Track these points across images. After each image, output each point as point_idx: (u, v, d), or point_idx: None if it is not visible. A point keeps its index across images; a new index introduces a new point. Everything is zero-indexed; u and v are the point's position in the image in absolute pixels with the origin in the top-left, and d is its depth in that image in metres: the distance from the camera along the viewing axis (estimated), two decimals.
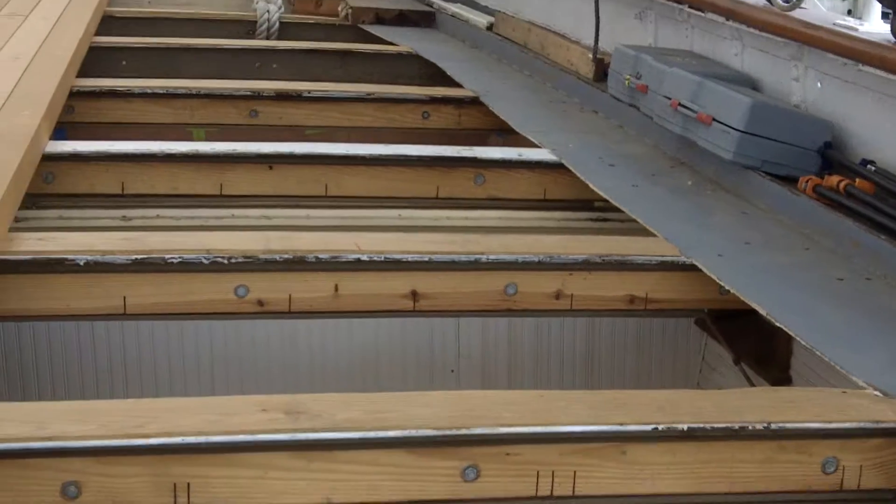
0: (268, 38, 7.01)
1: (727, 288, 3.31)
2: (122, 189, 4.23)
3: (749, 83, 4.52)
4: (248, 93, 5.39)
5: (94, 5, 6.53)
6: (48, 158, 4.10)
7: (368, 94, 5.49)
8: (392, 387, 4.71)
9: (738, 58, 4.70)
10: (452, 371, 4.94)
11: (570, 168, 4.43)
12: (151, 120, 5.36)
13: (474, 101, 5.51)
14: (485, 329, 4.91)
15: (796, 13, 4.30)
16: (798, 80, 4.34)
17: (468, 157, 4.47)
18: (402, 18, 7.25)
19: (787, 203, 3.94)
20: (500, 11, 6.79)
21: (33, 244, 3.19)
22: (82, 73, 5.46)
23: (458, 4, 7.28)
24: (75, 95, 5.11)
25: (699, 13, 4.93)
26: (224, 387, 4.70)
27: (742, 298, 3.21)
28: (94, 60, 5.83)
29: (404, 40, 6.73)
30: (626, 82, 4.87)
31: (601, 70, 5.43)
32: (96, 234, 3.47)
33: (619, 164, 4.53)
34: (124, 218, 4.15)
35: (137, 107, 5.33)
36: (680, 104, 4.35)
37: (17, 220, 3.60)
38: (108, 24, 6.66)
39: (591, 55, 5.52)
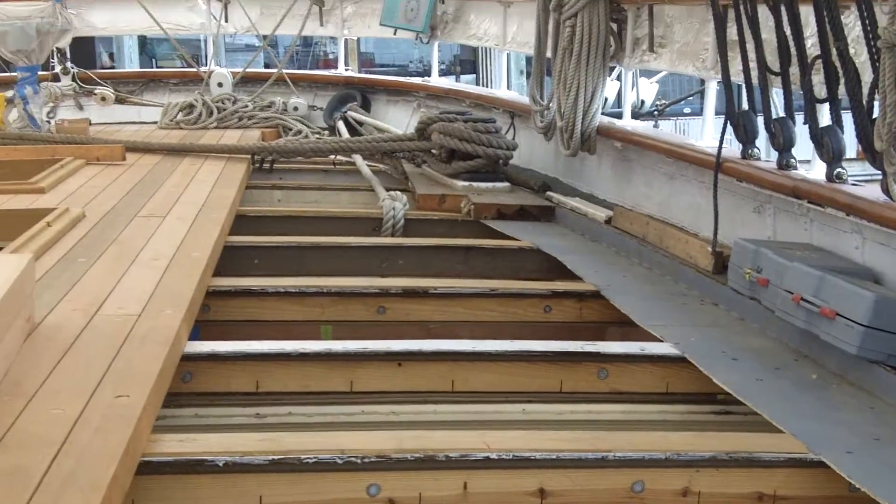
0: (393, 234, 7.21)
1: (857, 486, 3.29)
2: (257, 387, 4.38)
3: (871, 276, 4.54)
4: (377, 290, 5.56)
5: (228, 206, 6.82)
6: (187, 358, 4.28)
7: (492, 290, 5.62)
8: None
9: (859, 251, 4.73)
10: None
11: (693, 362, 4.48)
12: (282, 318, 5.53)
13: (595, 295, 5.61)
14: None
15: None
16: None
17: (591, 352, 4.55)
18: (522, 213, 7.42)
19: None
20: (618, 205, 6.94)
21: (175, 445, 3.32)
22: (217, 271, 5.69)
23: (577, 199, 7.45)
24: (211, 294, 5.32)
25: (818, 208, 4.99)
26: None
27: (874, 497, 3.19)
28: (228, 259, 6.07)
29: (525, 235, 6.88)
30: (747, 276, 4.93)
31: (721, 263, 5.51)
32: (234, 434, 3.59)
33: (742, 358, 4.56)
34: (258, 415, 4.28)
35: (270, 305, 5.52)
36: (802, 299, 4.40)
37: (157, 418, 3.75)
38: (240, 223, 6.92)
39: (710, 248, 5.60)
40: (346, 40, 12.95)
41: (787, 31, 5.06)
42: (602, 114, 7.23)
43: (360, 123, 11.25)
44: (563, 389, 4.53)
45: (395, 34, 11.67)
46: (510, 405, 4.43)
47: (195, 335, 4.79)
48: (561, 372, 4.53)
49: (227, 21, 12.64)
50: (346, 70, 12.93)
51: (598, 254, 6.53)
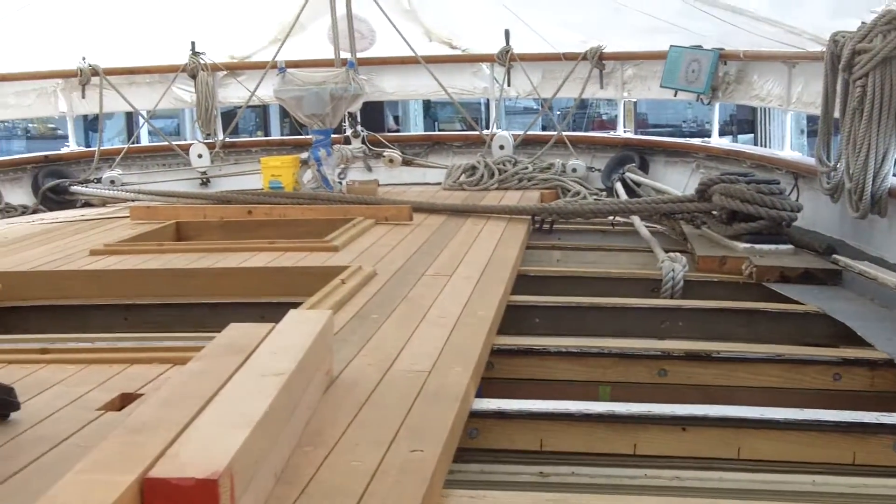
0: (672, 296, 7.17)
1: None
2: (541, 445, 4.45)
3: None
4: (658, 353, 5.55)
5: (510, 266, 6.96)
6: (474, 415, 4.39)
7: (777, 356, 5.52)
8: None
9: None
10: None
11: None
12: (562, 377, 5.58)
13: (888, 363, 5.42)
14: None
15: None
16: None
17: (887, 424, 4.40)
18: (807, 276, 7.24)
19: None
20: None
21: (466, 502, 3.41)
22: (500, 329, 5.80)
23: (866, 262, 7.23)
24: (494, 352, 5.44)
25: None
26: None
27: None
28: (510, 317, 6.17)
29: (810, 298, 6.72)
30: None
31: None
32: (522, 493, 3.66)
33: None
34: (542, 474, 4.33)
35: (550, 364, 5.59)
36: None
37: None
38: (521, 282, 7.03)
39: None
40: (624, 102, 13.03)
41: None
42: (893, 175, 7.02)
43: (638, 184, 11.26)
44: (856, 462, 4.39)
45: (675, 95, 11.67)
46: (799, 476, 4.31)
47: (479, 392, 4.92)
48: (854, 443, 4.39)
49: (509, 85, 12.93)
50: (625, 132, 12.99)
51: (890, 320, 6.30)
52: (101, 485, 2.54)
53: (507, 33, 12.75)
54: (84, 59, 12.83)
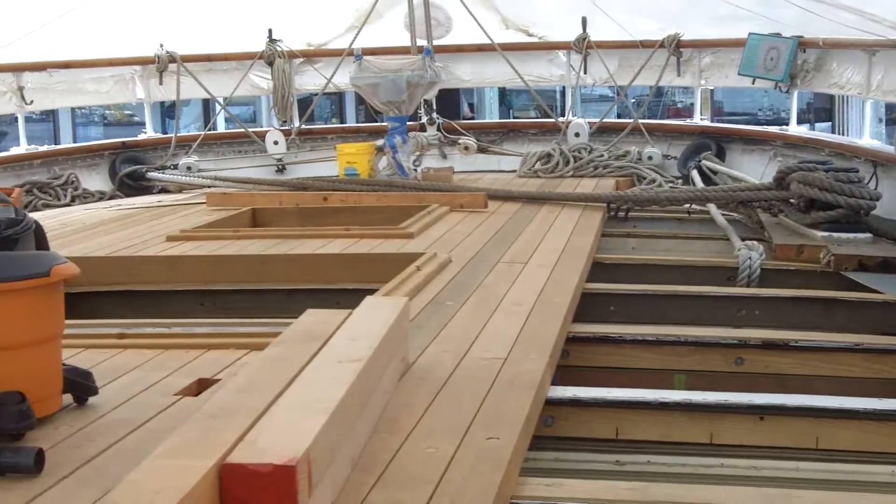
0: (748, 284, 7.10)
1: None
2: (616, 434, 4.43)
3: None
4: (734, 341, 5.51)
5: (586, 253, 6.94)
6: (549, 402, 4.38)
7: (856, 345, 5.45)
8: None
9: None
10: None
11: None
12: (638, 365, 5.56)
13: None
14: None
15: None
16: None
17: None
18: (885, 265, 7.13)
19: None
20: None
21: (542, 490, 3.40)
22: (576, 318, 5.78)
23: None
24: (570, 340, 5.42)
25: None
26: None
27: None
28: (585, 305, 6.15)
29: (889, 287, 6.63)
30: None
31: None
32: (598, 482, 3.65)
33: None
34: (617, 463, 4.31)
35: (626, 352, 5.56)
36: None
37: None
38: (596, 270, 7.01)
39: None
40: (700, 90, 12.92)
41: None
42: None
43: (714, 172, 11.17)
44: None
45: (752, 83, 11.56)
46: (878, 466, 4.25)
47: (553, 380, 4.91)
48: None
49: (585, 73, 12.87)
50: (702, 119, 12.88)
51: None
52: (181, 470, 2.57)
53: (584, 21, 12.68)
54: (162, 45, 12.96)
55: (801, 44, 10.79)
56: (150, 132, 13.58)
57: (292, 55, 13.34)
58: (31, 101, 12.44)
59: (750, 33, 11.32)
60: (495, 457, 3.34)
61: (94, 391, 3.97)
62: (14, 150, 12.50)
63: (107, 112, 30.99)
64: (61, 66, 12.61)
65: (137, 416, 3.80)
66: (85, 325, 5.17)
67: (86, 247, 7.70)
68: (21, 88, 12.27)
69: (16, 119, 12.90)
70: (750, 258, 7.20)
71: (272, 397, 3.10)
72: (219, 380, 4.26)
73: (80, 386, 3.94)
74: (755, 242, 7.54)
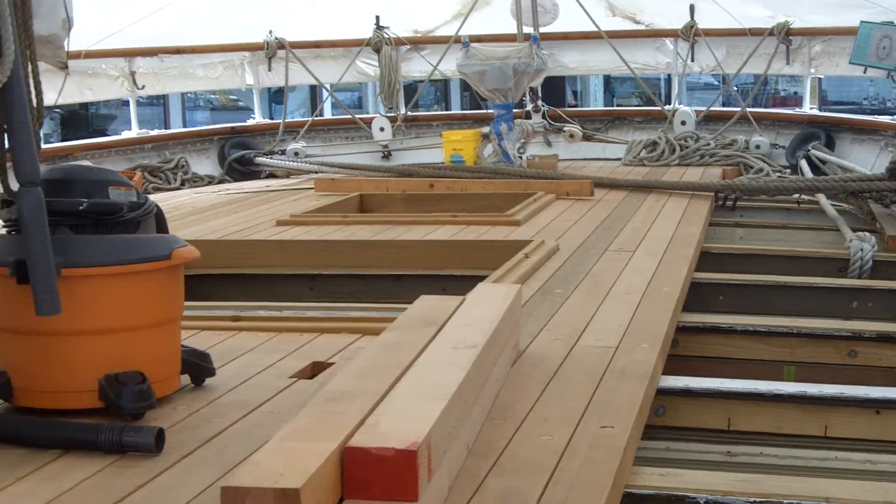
0: (860, 276, 6.98)
1: None
2: (728, 425, 4.40)
3: None
4: (848, 333, 5.43)
5: (694, 243, 6.89)
6: (661, 392, 4.36)
7: None
8: None
9: None
10: None
11: None
12: (748, 356, 5.51)
13: None
14: None
15: None
16: None
17: None
18: None
19: None
20: None
21: (656, 479, 3.39)
22: (685, 307, 5.74)
23: None
24: (680, 330, 5.39)
25: None
26: None
27: None
28: (694, 295, 6.11)
29: None
30: None
31: None
32: (712, 473, 3.62)
33: None
34: (729, 454, 4.29)
35: (735, 342, 5.52)
36: None
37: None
38: (704, 259, 6.95)
39: None
40: (810, 79, 12.73)
41: None
42: None
43: (824, 162, 11.00)
44: None
45: (864, 72, 11.36)
46: None
47: (664, 369, 4.89)
48: None
49: (692, 60, 12.74)
50: (811, 108, 12.69)
51: None
52: (304, 452, 2.60)
53: (691, 8, 12.57)
54: (271, 32, 13.11)
55: None
56: (258, 118, 13.76)
57: (399, 42, 13.39)
58: (143, 86, 12.64)
59: (862, 21, 11.12)
60: (610, 445, 3.33)
61: (212, 372, 4.05)
62: (125, 135, 12.72)
63: (212, 97, 31.42)
64: (172, 51, 12.81)
65: (254, 397, 3.86)
66: (200, 306, 5.26)
67: (199, 229, 7.83)
68: (133, 73, 12.47)
69: (127, 103, 13.13)
70: (862, 249, 7.08)
71: (390, 382, 3.14)
72: (332, 363, 4.32)
73: (198, 367, 4.01)
74: (867, 233, 7.40)
